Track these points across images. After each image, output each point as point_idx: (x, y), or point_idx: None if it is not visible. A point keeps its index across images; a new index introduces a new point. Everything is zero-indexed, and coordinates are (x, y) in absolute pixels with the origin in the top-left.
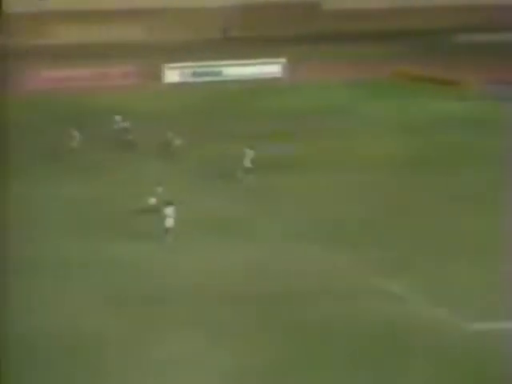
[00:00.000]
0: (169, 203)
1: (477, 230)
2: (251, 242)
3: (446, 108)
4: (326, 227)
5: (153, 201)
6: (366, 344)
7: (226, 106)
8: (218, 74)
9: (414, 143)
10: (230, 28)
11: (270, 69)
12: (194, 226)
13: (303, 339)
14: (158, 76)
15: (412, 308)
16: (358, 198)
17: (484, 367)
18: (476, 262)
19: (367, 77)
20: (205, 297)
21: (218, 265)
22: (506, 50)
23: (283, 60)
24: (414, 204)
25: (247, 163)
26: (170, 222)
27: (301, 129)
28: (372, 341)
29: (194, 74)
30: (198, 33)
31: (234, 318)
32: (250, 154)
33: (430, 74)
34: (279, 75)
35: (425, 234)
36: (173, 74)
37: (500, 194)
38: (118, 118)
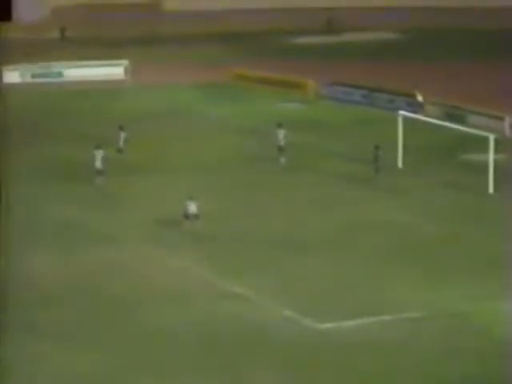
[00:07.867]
0: None
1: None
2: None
3: (288, 110)
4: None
5: None
6: (213, 348)
7: (68, 107)
8: (59, 75)
9: (255, 145)
10: (67, 28)
11: (113, 70)
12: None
13: (146, 344)
14: None
15: (259, 309)
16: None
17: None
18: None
19: (210, 79)
20: None
21: None
22: (344, 52)
23: (125, 62)
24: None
25: (98, 165)
26: None
27: (142, 131)
28: (219, 344)
29: (34, 76)
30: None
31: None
32: (98, 155)
33: (270, 76)
34: (122, 77)
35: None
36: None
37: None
38: None
